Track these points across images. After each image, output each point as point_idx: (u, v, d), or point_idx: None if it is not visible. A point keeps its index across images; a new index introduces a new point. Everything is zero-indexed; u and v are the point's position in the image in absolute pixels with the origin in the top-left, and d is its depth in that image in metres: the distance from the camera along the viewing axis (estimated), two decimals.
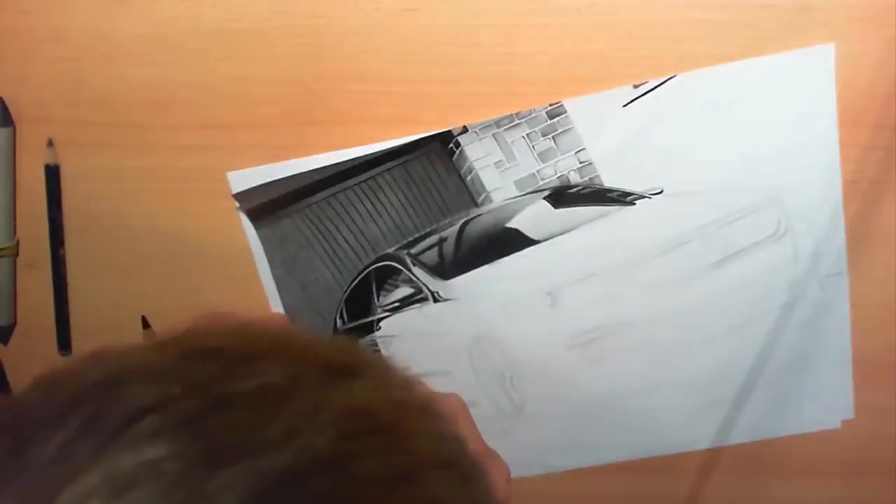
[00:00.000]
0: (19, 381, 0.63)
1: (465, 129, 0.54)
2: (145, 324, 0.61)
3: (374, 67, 0.53)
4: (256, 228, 0.57)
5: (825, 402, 0.60)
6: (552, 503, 0.63)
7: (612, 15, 0.51)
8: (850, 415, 0.60)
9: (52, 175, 0.57)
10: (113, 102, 0.56)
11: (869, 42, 0.52)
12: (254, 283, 0.59)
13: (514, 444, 0.62)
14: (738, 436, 0.60)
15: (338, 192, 0.56)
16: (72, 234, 0.59)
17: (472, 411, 0.60)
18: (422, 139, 0.54)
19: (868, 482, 0.60)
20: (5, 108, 0.55)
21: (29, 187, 0.59)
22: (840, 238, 0.56)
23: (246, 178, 0.55)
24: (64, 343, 0.61)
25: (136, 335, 0.61)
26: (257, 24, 0.53)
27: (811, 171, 0.55)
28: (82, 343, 0.62)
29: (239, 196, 0.56)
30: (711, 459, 0.61)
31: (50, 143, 0.57)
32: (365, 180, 0.56)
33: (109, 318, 0.61)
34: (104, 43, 0.55)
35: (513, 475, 0.62)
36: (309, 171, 0.55)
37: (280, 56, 0.54)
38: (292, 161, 0.55)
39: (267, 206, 0.56)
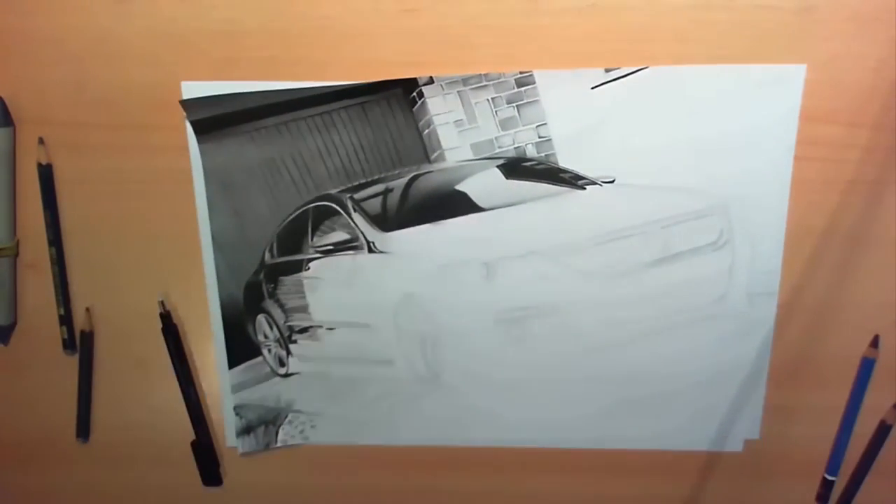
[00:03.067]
0: (19, 380, 0.62)
1: (430, 80, 0.53)
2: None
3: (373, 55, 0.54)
4: (199, 143, 0.55)
5: (732, 422, 0.60)
6: (551, 503, 0.64)
7: (613, 15, 0.53)
8: (756, 435, 0.61)
9: (45, 174, 0.58)
10: (114, 103, 0.56)
11: (868, 43, 0.54)
12: (187, 204, 0.58)
13: (424, 411, 0.61)
14: (639, 442, 0.61)
15: (290, 120, 0.54)
16: (74, 235, 0.60)
17: (387, 370, 0.60)
18: (385, 82, 0.53)
19: (869, 482, 0.61)
20: (5, 109, 0.55)
21: (29, 188, 0.58)
22: (777, 259, 0.57)
23: (199, 88, 0.53)
24: (71, 343, 0.61)
25: (136, 333, 0.61)
26: (258, 25, 0.54)
27: (762, 188, 0.56)
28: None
29: (188, 104, 0.54)
30: (712, 460, 0.62)
31: (41, 142, 0.57)
32: (319, 114, 0.54)
33: (109, 318, 0.61)
34: (105, 44, 0.55)
35: (419, 443, 0.62)
36: (264, 92, 0.53)
37: (280, 56, 0.54)
38: (250, 82, 0.53)
39: (214, 120, 0.55)
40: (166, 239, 0.59)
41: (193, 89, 0.54)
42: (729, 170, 0.55)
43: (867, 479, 0.60)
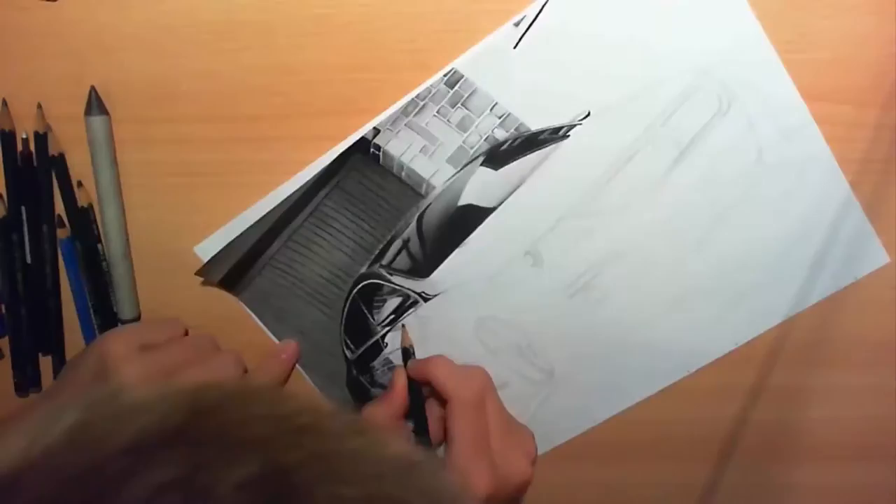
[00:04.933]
0: None
1: (377, 131, 0.54)
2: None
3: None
4: (236, 295, 0.59)
5: (854, 256, 0.55)
6: (568, 490, 0.63)
7: None
8: (886, 259, 0.55)
9: (41, 141, 0.57)
10: (115, 97, 0.56)
11: (875, 18, 0.51)
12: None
13: (555, 409, 0.61)
14: (776, 317, 0.58)
15: (290, 234, 0.57)
16: None
17: (505, 392, 0.60)
18: (342, 156, 0.55)
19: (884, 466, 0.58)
20: (98, 98, 0.55)
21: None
22: (789, 87, 0.52)
23: (211, 244, 0.58)
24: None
25: None
26: (259, 15, 0.54)
27: (730, 33, 0.52)
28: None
29: (208, 270, 0.58)
30: (730, 446, 0.59)
31: (39, 107, 0.56)
32: (309, 215, 0.57)
33: None
34: (105, 37, 0.55)
35: (561, 439, 0.61)
36: (256, 224, 0.56)
37: (282, 46, 0.54)
38: (241, 215, 0.56)
39: (235, 271, 0.58)
40: None
41: (208, 247, 0.58)
42: (688, 38, 0.52)
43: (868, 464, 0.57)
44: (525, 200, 0.56)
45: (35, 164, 0.57)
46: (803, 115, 0.53)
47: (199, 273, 0.58)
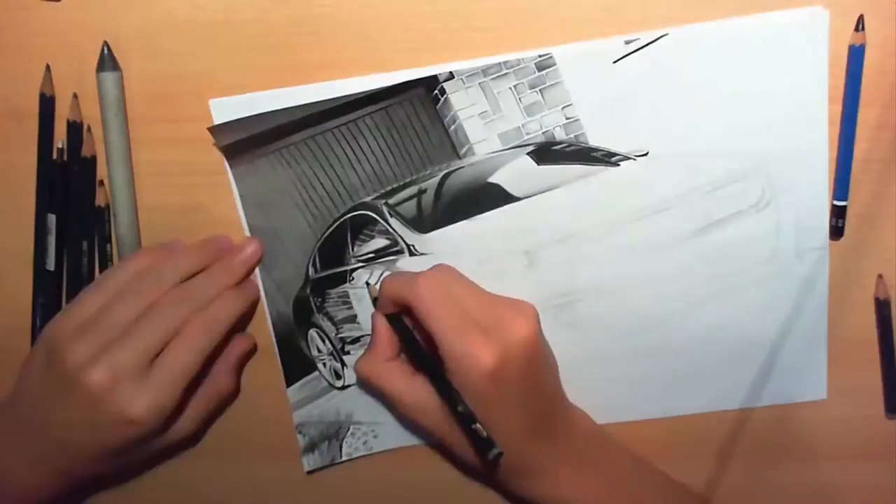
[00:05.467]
0: None
1: (451, 76, 0.53)
2: None
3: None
4: (231, 167, 0.55)
5: (798, 381, 0.58)
6: None
7: None
8: (823, 395, 0.58)
9: (46, 104, 0.57)
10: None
11: (878, 20, 0.52)
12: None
13: None
14: (706, 406, 0.59)
15: (316, 133, 0.54)
16: None
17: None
18: (406, 83, 0.53)
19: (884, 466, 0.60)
20: (111, 54, 0.55)
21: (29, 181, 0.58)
22: (823, 213, 0.55)
23: (228, 106, 0.54)
24: None
25: None
26: (259, 15, 0.54)
27: (798, 141, 0.54)
28: None
29: (216, 130, 0.54)
30: (730, 445, 0.60)
31: (48, 69, 0.56)
32: (345, 123, 0.54)
33: None
34: (104, 37, 0.55)
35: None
36: (289, 109, 0.54)
37: (282, 46, 0.54)
38: (274, 91, 0.53)
39: (244, 143, 0.55)
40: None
41: (222, 107, 0.54)
42: (763, 126, 0.54)
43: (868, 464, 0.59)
44: (549, 204, 0.56)
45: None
46: (822, 241, 0.56)
47: (210, 130, 0.54)
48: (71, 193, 0.58)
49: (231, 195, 0.58)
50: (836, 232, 0.55)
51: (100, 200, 0.58)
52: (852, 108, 0.53)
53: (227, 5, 0.54)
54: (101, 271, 0.59)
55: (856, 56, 0.52)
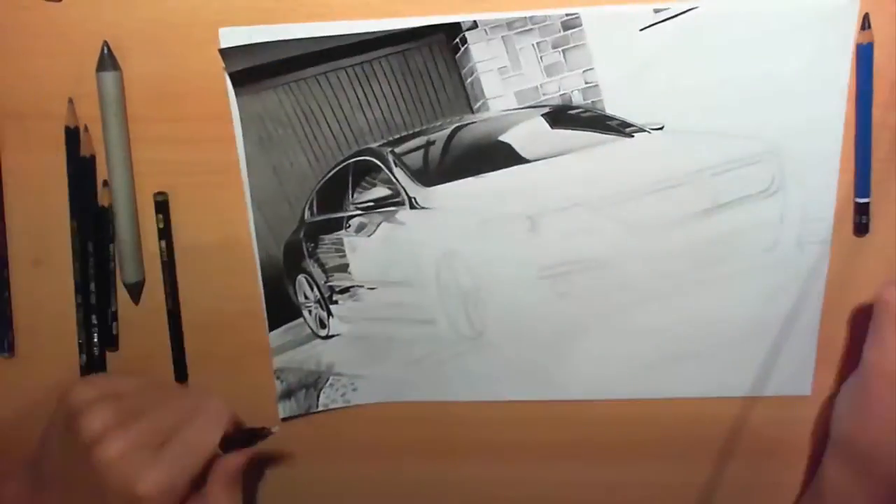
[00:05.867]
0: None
1: (474, 25, 0.51)
2: None
3: None
4: (237, 95, 0.54)
5: (785, 374, 0.58)
6: (568, 490, 0.62)
7: None
8: (807, 391, 0.58)
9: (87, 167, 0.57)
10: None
11: (880, 20, 0.52)
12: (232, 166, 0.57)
13: (467, 369, 0.60)
14: (692, 390, 0.59)
15: (329, 70, 0.53)
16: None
17: (429, 329, 0.58)
18: (427, 27, 0.51)
19: None
20: (111, 53, 0.54)
21: (30, 181, 0.58)
22: (829, 207, 0.55)
23: (237, 36, 0.51)
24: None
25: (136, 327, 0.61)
26: (262, 13, 0.53)
27: (814, 132, 0.53)
28: None
29: (226, 54, 0.52)
30: (730, 446, 0.60)
31: (86, 130, 0.56)
32: (360, 63, 0.53)
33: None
34: (105, 36, 0.54)
35: (463, 400, 0.60)
36: (302, 41, 0.52)
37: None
38: (288, 25, 0.51)
39: (253, 71, 0.53)
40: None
41: (231, 36, 0.52)
42: (781, 113, 0.53)
43: None
44: (558, 170, 0.55)
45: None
46: (826, 235, 0.55)
47: (221, 52, 0.52)
48: (73, 195, 0.57)
49: (232, 194, 0.57)
50: (861, 229, 0.55)
51: (103, 201, 0.57)
52: (866, 105, 0.53)
53: (227, 6, 0.53)
54: (102, 271, 0.58)
55: (864, 55, 0.52)
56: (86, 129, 0.56)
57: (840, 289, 0.56)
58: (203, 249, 0.58)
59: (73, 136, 0.56)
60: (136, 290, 0.59)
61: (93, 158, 0.57)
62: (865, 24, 0.51)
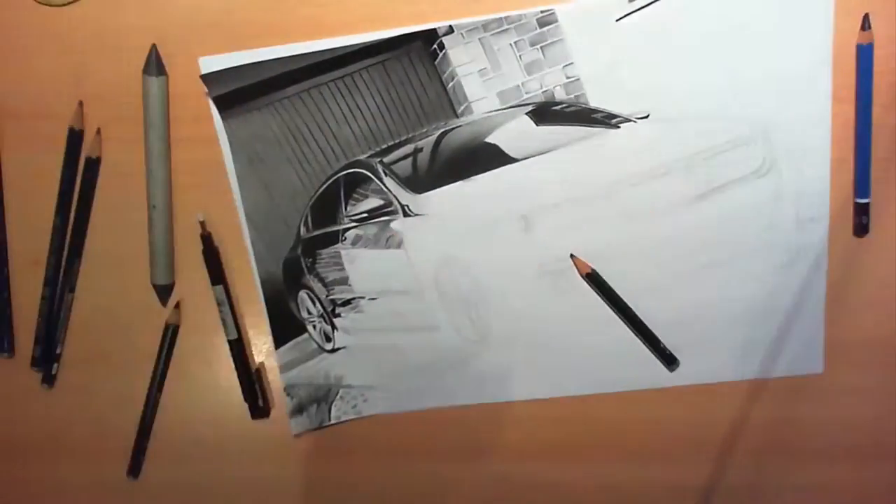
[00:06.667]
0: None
1: (450, 30, 0.51)
2: None
3: None
4: (223, 119, 0.54)
5: (795, 353, 0.57)
6: (567, 490, 0.62)
7: None
8: (819, 369, 0.57)
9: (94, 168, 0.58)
10: (115, 96, 0.56)
11: (878, 20, 0.52)
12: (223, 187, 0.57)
13: (473, 372, 0.60)
14: (703, 377, 0.58)
15: (311, 87, 0.53)
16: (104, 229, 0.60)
17: (433, 335, 0.58)
18: (404, 36, 0.52)
19: (886, 466, 0.60)
20: (159, 59, 0.55)
21: (30, 181, 0.58)
22: (824, 181, 0.54)
23: (218, 62, 0.52)
24: None
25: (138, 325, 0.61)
26: (257, 15, 0.54)
27: (802, 110, 0.53)
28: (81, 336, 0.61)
29: (208, 79, 0.52)
30: (730, 446, 0.60)
31: (98, 132, 0.57)
32: (341, 77, 0.53)
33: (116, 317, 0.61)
34: (105, 37, 0.55)
35: (471, 403, 0.60)
36: (283, 59, 0.52)
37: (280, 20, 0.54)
38: (267, 48, 0.51)
39: (236, 94, 0.53)
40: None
41: (211, 63, 0.53)
42: (766, 93, 0.53)
43: (868, 464, 0.59)
44: (548, 167, 0.55)
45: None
46: (823, 211, 0.55)
47: (203, 78, 0.53)
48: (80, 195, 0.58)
49: (229, 193, 0.57)
50: (861, 229, 0.55)
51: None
52: (866, 106, 0.53)
53: (225, 5, 0.54)
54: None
55: (865, 55, 0.51)
56: (98, 131, 0.56)
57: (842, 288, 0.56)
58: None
59: (75, 137, 0.56)
60: (164, 293, 0.59)
61: (98, 160, 0.57)
62: (865, 24, 0.50)
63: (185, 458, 0.61)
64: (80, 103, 0.56)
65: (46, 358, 0.60)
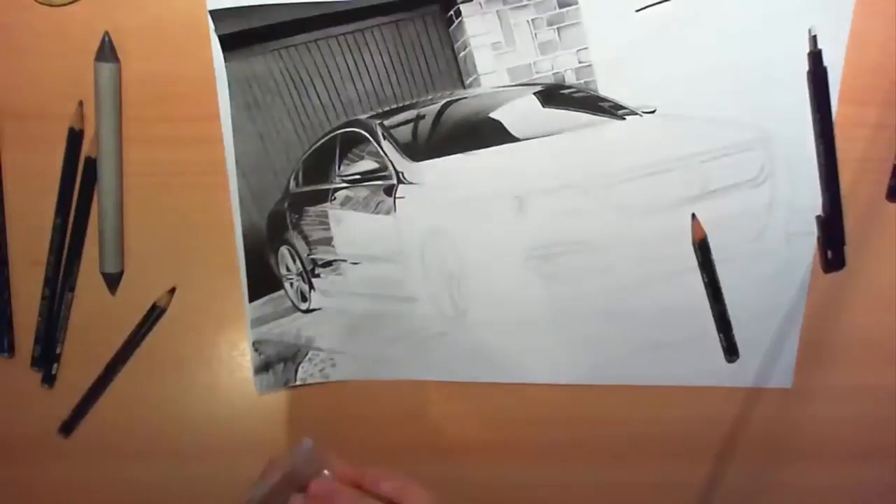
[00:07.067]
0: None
1: None
2: None
3: None
4: (226, 60, 0.52)
5: (767, 365, 0.58)
6: (567, 490, 0.62)
7: None
8: (789, 384, 0.58)
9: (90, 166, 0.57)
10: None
11: (875, 19, 0.52)
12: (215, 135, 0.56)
13: (448, 348, 0.59)
14: (673, 378, 0.58)
15: (320, 38, 0.52)
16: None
17: (411, 307, 0.58)
18: None
19: (886, 466, 0.60)
20: (111, 45, 0.54)
21: (30, 181, 0.57)
22: (816, 198, 0.54)
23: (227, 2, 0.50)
24: None
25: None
26: None
27: (804, 124, 0.53)
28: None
29: (216, 15, 0.51)
30: (730, 446, 0.60)
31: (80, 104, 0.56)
32: (352, 32, 0.52)
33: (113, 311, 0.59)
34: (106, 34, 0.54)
35: (442, 379, 0.59)
36: (294, 5, 0.51)
37: None
38: None
39: (242, 36, 0.52)
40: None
41: (220, 2, 0.51)
42: (773, 101, 0.53)
43: (868, 464, 0.59)
44: (548, 150, 0.54)
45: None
46: (812, 226, 0.55)
47: (211, 13, 0.51)
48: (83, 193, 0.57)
49: (226, 194, 0.56)
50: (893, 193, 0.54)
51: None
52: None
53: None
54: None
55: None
56: (95, 132, 0.55)
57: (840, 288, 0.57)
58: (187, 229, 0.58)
59: (75, 138, 0.55)
60: (113, 281, 0.58)
61: (95, 160, 0.56)
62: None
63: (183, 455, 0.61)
64: (80, 103, 0.55)
65: (46, 358, 0.58)
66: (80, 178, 0.56)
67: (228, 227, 0.57)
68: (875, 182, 0.55)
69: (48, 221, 0.57)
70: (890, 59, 0.52)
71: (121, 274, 0.58)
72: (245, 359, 0.60)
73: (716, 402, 0.59)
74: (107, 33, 0.53)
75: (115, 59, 0.53)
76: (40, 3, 0.53)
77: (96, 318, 0.59)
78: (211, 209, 0.57)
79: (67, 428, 0.59)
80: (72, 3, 0.53)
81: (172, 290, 0.58)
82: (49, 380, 0.59)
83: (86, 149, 0.56)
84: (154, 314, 0.58)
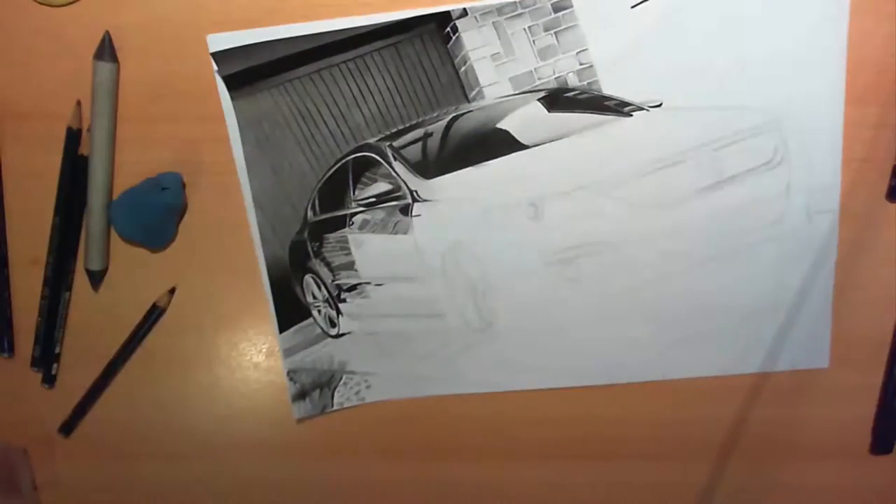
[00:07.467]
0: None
1: (464, 13, 0.51)
2: None
3: None
4: (233, 99, 0.53)
5: (801, 347, 0.57)
6: (567, 490, 0.62)
7: None
8: (825, 364, 0.57)
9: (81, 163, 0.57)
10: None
11: (878, 18, 0.52)
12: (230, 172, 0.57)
13: (479, 360, 0.59)
14: (707, 369, 0.58)
15: (322, 68, 0.52)
16: None
17: (439, 322, 0.58)
18: (417, 18, 0.51)
19: (886, 466, 0.59)
20: (111, 45, 0.54)
21: (30, 181, 0.58)
22: (836, 175, 0.54)
23: (226, 40, 0.51)
24: None
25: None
26: (256, 15, 0.53)
27: (814, 102, 0.53)
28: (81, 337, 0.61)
29: (218, 57, 0.52)
30: (730, 446, 0.60)
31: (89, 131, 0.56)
32: (352, 59, 0.52)
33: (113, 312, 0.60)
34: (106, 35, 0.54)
35: (476, 391, 0.59)
36: (294, 39, 0.51)
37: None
38: (277, 27, 0.51)
39: (246, 74, 0.53)
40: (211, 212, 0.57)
41: (220, 41, 0.52)
42: (779, 84, 0.52)
43: (868, 464, 0.59)
44: (558, 154, 0.55)
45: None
46: (834, 204, 0.54)
47: (213, 56, 0.52)
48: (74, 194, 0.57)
49: (226, 196, 0.56)
50: (893, 193, 0.54)
51: None
52: None
53: (224, 5, 0.53)
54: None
55: None
56: (88, 130, 0.56)
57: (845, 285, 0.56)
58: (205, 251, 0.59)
59: (73, 137, 0.56)
60: (97, 278, 0.59)
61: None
62: None
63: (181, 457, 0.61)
64: (78, 103, 0.55)
65: (46, 358, 0.59)
66: (79, 178, 0.57)
67: (239, 229, 0.58)
68: (875, 182, 0.54)
69: (48, 221, 0.58)
70: (890, 58, 0.52)
71: (104, 271, 0.58)
72: (245, 358, 0.60)
73: (716, 402, 0.59)
74: (107, 32, 0.54)
75: (115, 59, 0.54)
76: (40, 3, 0.54)
77: (96, 319, 0.59)
78: (211, 209, 0.57)
79: (67, 428, 0.60)
80: (72, 3, 0.54)
81: (172, 290, 0.59)
82: (49, 380, 0.59)
83: (84, 149, 0.56)
84: (154, 314, 0.59)
